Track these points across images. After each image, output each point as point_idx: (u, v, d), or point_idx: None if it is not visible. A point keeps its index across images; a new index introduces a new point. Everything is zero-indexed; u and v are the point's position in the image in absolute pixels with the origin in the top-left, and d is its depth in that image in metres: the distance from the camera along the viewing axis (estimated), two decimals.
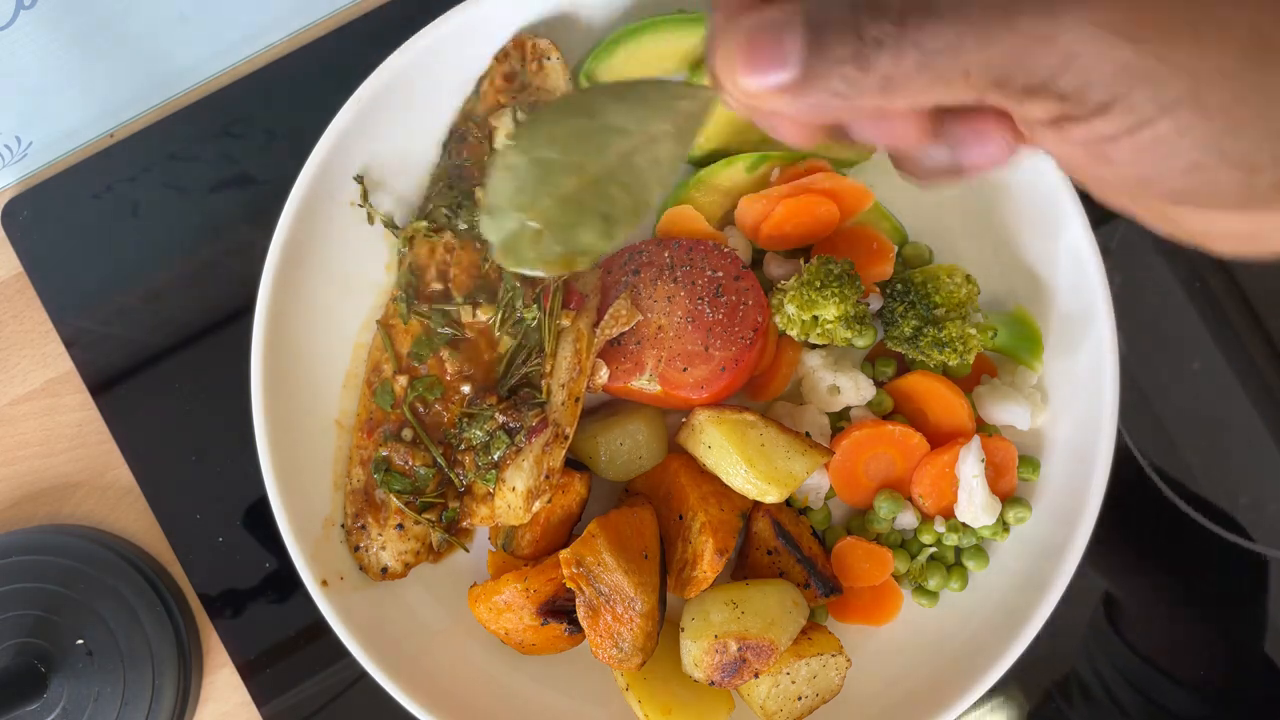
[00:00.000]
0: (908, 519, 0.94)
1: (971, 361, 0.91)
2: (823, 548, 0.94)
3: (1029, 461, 0.94)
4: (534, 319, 0.90)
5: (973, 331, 0.89)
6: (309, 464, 0.93)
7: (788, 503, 0.94)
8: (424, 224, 0.93)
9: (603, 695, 0.93)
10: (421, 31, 0.91)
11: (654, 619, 0.86)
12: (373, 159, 0.94)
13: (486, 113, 0.94)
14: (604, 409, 0.97)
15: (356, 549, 0.93)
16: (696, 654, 0.84)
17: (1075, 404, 0.93)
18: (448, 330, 0.91)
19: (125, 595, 0.97)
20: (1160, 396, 1.04)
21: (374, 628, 0.90)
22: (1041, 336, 0.94)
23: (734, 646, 0.83)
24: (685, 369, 0.90)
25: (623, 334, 0.91)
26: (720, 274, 0.91)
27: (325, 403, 0.94)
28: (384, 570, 0.92)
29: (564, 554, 0.85)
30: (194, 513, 1.01)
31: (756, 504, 0.91)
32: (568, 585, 0.85)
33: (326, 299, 0.94)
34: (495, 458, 0.89)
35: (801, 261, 0.93)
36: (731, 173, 0.95)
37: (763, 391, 0.96)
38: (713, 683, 0.85)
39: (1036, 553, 0.93)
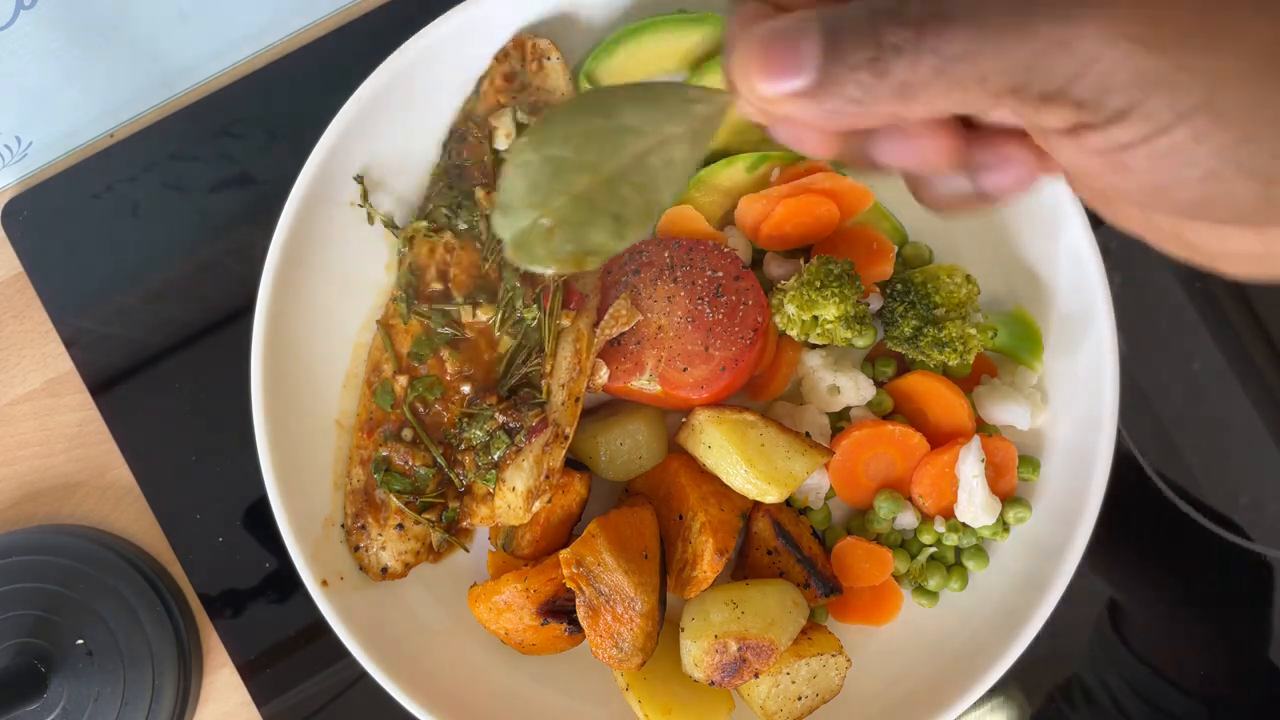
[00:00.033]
0: (908, 519, 0.94)
1: (971, 361, 0.91)
2: (823, 548, 0.94)
3: (1029, 461, 0.94)
4: (534, 319, 0.90)
5: (973, 331, 0.89)
6: (309, 464, 0.93)
7: (788, 503, 0.94)
8: (424, 224, 0.93)
9: (603, 695, 0.93)
10: (421, 31, 0.91)
11: (654, 619, 0.86)
12: (373, 159, 0.94)
13: (486, 113, 0.94)
14: (604, 409, 0.97)
15: (356, 549, 0.93)
16: (696, 654, 0.84)
17: (1075, 404, 0.93)
18: (448, 330, 0.91)
19: (125, 595, 0.97)
20: (1160, 396, 1.04)
21: (374, 628, 0.90)
22: (1041, 336, 0.94)
23: (734, 646, 0.83)
24: (685, 369, 0.90)
25: (623, 334, 0.91)
26: (720, 274, 0.91)
27: (325, 403, 0.94)
28: (384, 570, 0.92)
29: (564, 554, 0.85)
30: (194, 513, 1.01)
31: (756, 504, 0.91)
32: (568, 585, 0.85)
33: (326, 299, 0.94)
34: (495, 458, 0.89)
35: (801, 261, 0.93)
36: (731, 173, 0.95)
37: (763, 391, 0.96)
38: (713, 683, 0.85)
39: (1036, 553, 0.93)
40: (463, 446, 0.90)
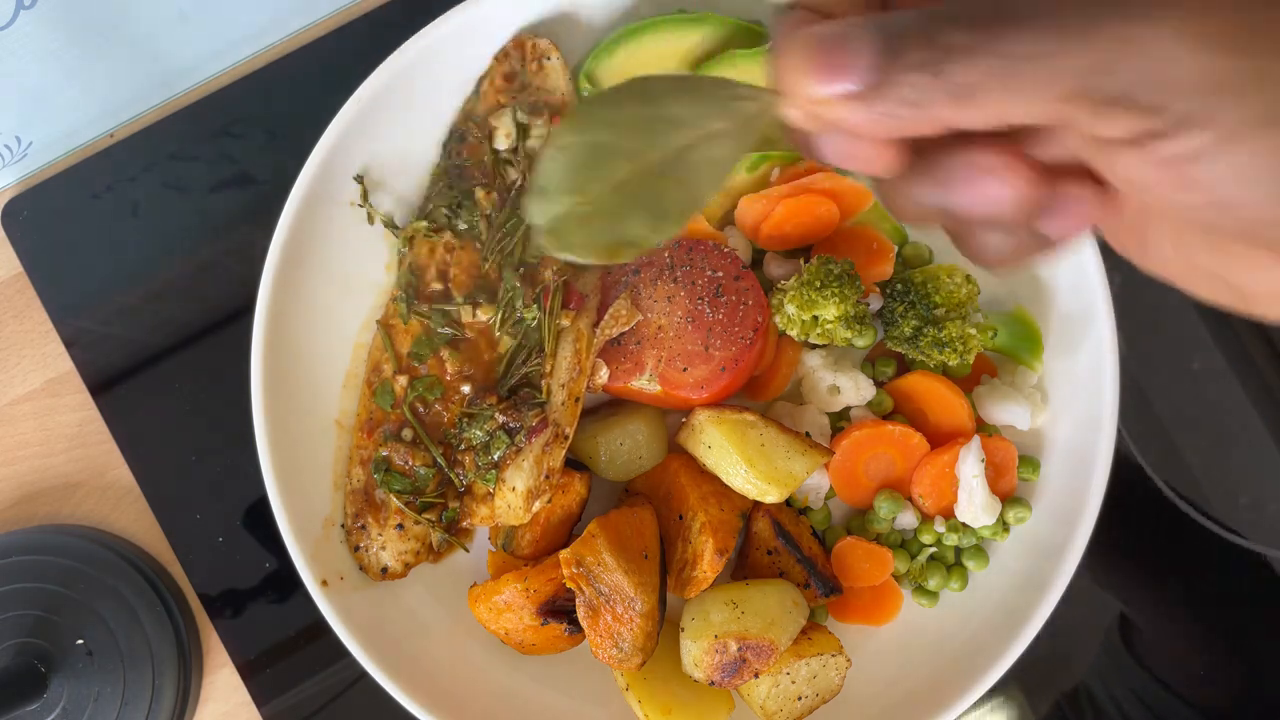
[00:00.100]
0: (908, 519, 0.94)
1: (971, 361, 0.91)
2: (823, 548, 0.94)
3: (1029, 461, 0.94)
4: (534, 319, 0.90)
5: (973, 331, 0.89)
6: (309, 464, 0.93)
7: (788, 503, 0.94)
8: (424, 224, 0.93)
9: (603, 695, 0.93)
10: (421, 31, 0.91)
11: (654, 619, 0.86)
12: (373, 159, 0.94)
13: (486, 113, 0.94)
14: (604, 409, 0.97)
15: (356, 549, 0.93)
16: (696, 654, 0.84)
17: (1075, 404, 0.93)
18: (448, 330, 0.91)
19: (125, 595, 0.97)
20: (1160, 396, 1.04)
21: (374, 628, 0.90)
22: (1041, 336, 0.94)
23: (734, 646, 0.83)
24: (685, 369, 0.90)
25: (623, 334, 0.91)
26: (720, 274, 0.91)
27: (325, 403, 0.94)
28: (384, 570, 0.92)
29: (564, 554, 0.85)
30: (194, 513, 1.01)
31: (756, 504, 0.91)
32: (568, 585, 0.85)
33: (326, 299, 0.94)
34: (495, 458, 0.89)
35: (801, 261, 0.93)
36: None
37: (763, 391, 0.96)
38: (713, 683, 0.85)
39: (1036, 553, 0.93)
40: (463, 446, 0.90)
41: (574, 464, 0.93)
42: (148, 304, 1.04)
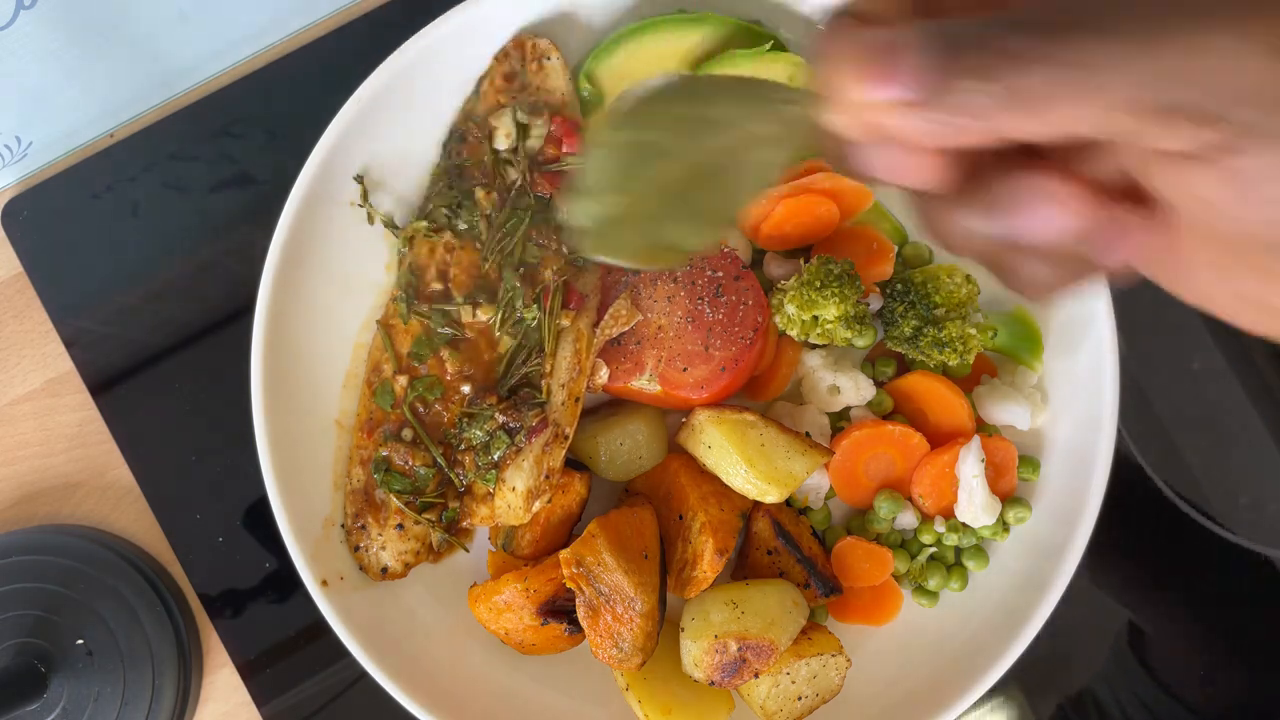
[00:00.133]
0: (908, 519, 0.94)
1: (971, 361, 0.91)
2: (823, 548, 0.94)
3: (1029, 461, 0.94)
4: (534, 319, 0.90)
5: (973, 331, 0.89)
6: (309, 464, 0.93)
7: (788, 503, 0.94)
8: (424, 224, 0.93)
9: (603, 695, 0.93)
10: (421, 31, 0.91)
11: (654, 619, 0.86)
12: (373, 159, 0.94)
13: (486, 113, 0.94)
14: (604, 409, 0.97)
15: (356, 549, 0.93)
16: (696, 654, 0.84)
17: (1075, 404, 0.93)
18: (448, 330, 0.91)
19: (125, 595, 0.97)
20: (1160, 396, 1.04)
21: (374, 628, 0.90)
22: (1041, 336, 0.94)
23: (734, 646, 0.83)
24: (685, 369, 0.90)
25: (623, 334, 0.91)
26: (720, 274, 0.91)
27: (325, 403, 0.94)
28: (384, 570, 0.92)
29: (564, 554, 0.85)
30: (194, 513, 1.01)
31: (756, 504, 0.91)
32: (568, 585, 0.85)
33: (326, 299, 0.94)
34: (495, 458, 0.89)
35: (801, 261, 0.93)
36: None
37: (763, 391, 0.96)
38: (713, 683, 0.84)
39: (1036, 553, 0.93)
40: (463, 446, 0.90)
41: (574, 464, 0.93)
42: (148, 304, 1.04)
